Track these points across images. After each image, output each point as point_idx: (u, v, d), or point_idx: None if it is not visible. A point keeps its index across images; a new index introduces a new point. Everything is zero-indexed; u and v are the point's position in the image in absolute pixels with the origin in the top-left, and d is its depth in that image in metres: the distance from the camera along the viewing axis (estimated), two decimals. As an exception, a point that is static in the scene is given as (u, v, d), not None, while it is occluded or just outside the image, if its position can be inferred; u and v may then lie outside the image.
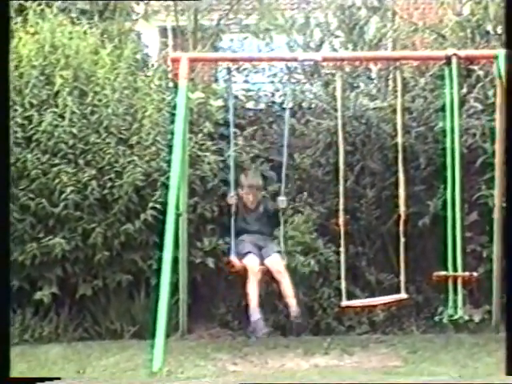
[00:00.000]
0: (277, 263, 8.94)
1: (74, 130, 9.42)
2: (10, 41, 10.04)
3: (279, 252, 9.07)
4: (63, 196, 9.28)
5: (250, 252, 8.95)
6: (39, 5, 10.43)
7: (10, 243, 7.44)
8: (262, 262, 8.95)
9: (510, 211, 6.56)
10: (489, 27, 10.27)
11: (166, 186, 8.64)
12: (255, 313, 8.76)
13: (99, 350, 8.87)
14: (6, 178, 6.33)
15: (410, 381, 6.07)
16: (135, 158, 9.44)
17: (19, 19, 10.22)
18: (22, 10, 10.48)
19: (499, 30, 10.14)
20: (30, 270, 9.39)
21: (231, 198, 9.05)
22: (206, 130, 9.91)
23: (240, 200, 9.26)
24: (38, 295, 9.37)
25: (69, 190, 9.26)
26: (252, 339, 9.04)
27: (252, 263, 8.87)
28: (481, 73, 9.81)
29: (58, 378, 6.41)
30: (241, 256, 8.92)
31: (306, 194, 9.91)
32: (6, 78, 5.83)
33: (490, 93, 9.50)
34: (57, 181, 9.30)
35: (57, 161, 9.36)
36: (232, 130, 8.98)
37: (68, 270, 9.43)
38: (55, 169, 9.32)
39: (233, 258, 8.90)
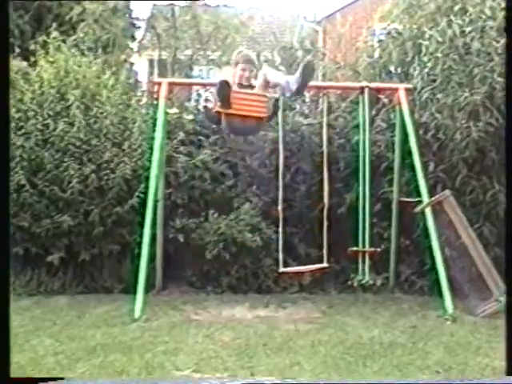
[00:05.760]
0: None
1: (81, 135, 9.33)
2: (36, 66, 10.04)
3: None
4: (70, 185, 9.19)
5: None
6: (57, 41, 10.33)
7: (9, 243, 7.08)
8: None
9: (510, 209, 6.13)
10: (392, 68, 10.28)
11: (148, 179, 8.56)
12: None
13: (95, 301, 8.81)
14: (6, 170, 5.93)
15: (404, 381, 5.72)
16: (126, 158, 9.35)
17: (42, 52, 10.13)
18: (44, 44, 10.34)
19: (399, 70, 10.12)
20: (45, 240, 9.30)
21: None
22: (180, 137, 9.83)
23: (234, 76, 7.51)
24: (49, 258, 9.29)
25: (74, 180, 9.17)
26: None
27: None
28: (385, 100, 9.83)
29: (62, 378, 5.63)
30: None
31: (254, 187, 9.81)
32: (6, 78, 5.51)
33: (392, 115, 9.48)
34: (66, 173, 9.22)
35: (66, 158, 9.26)
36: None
37: (73, 240, 9.36)
38: (65, 164, 9.23)
39: None
